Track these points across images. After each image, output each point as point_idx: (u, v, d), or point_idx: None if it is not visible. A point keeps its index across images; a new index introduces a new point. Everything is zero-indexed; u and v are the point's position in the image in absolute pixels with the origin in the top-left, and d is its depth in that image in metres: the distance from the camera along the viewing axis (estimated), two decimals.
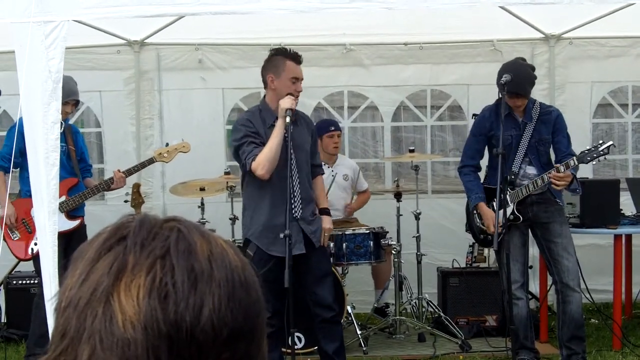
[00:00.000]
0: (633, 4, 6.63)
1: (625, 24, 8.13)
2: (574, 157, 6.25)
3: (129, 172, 6.92)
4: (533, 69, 6.64)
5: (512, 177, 6.44)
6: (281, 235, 5.46)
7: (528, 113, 6.55)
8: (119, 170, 6.89)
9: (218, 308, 1.04)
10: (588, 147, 6.34)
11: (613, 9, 7.53)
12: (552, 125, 6.53)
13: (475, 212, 6.78)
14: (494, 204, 6.42)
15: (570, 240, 6.53)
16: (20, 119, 6.76)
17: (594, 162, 6.50)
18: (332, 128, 8.02)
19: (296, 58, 5.94)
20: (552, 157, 6.63)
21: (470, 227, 6.95)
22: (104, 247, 1.07)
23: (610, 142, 6.32)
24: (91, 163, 7.36)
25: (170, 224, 1.10)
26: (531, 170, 6.50)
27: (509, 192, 6.43)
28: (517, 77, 6.34)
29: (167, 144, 7.21)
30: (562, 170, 6.21)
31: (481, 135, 6.70)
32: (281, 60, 5.92)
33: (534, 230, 6.61)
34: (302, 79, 5.97)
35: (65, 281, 1.09)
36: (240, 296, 1.07)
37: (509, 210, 6.41)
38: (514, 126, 6.49)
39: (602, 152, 6.22)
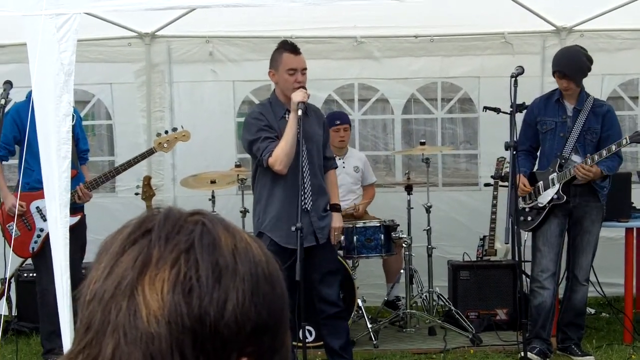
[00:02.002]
0: None
1: (636, 17, 8.09)
2: (627, 137, 6.41)
3: (129, 164, 6.76)
4: (589, 59, 6.73)
5: (563, 161, 6.64)
6: (292, 229, 5.47)
7: (581, 101, 6.72)
8: (83, 185, 6.61)
9: (242, 303, 1.04)
10: None
11: (624, 2, 7.52)
12: (601, 117, 6.69)
13: (520, 196, 6.86)
14: (540, 185, 6.74)
15: (595, 238, 6.74)
16: (14, 106, 6.75)
17: None
18: (338, 122, 7.97)
19: (293, 49, 5.92)
20: None
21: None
22: (128, 240, 1.07)
23: None
24: (88, 147, 7.14)
25: (195, 217, 1.09)
26: (576, 159, 6.65)
27: (557, 173, 6.63)
28: (566, 59, 6.67)
29: (166, 132, 7.01)
30: (589, 163, 6.40)
31: (529, 122, 6.89)
32: (278, 53, 5.93)
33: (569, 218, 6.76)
34: (304, 68, 5.92)
35: (89, 274, 1.09)
36: (264, 291, 1.07)
37: (553, 190, 6.64)
38: (560, 113, 6.71)
39: None
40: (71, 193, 6.25)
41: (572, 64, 6.64)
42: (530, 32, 8.67)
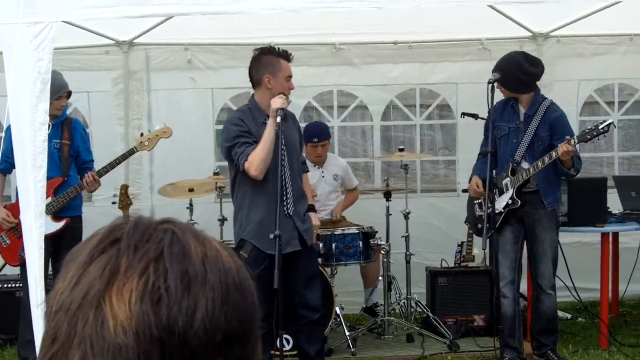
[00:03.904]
0: (619, 1, 6.67)
1: (612, 22, 8.15)
2: (574, 136, 6.33)
3: (110, 166, 6.68)
4: (532, 62, 6.71)
5: (514, 165, 6.59)
6: (271, 236, 5.45)
7: (533, 107, 6.66)
8: (90, 174, 6.64)
9: (211, 312, 1.03)
10: (589, 127, 6.45)
11: (599, 7, 7.55)
12: (549, 124, 6.61)
13: (475, 202, 6.90)
14: (495, 191, 6.66)
15: (551, 244, 6.64)
16: None
17: (595, 140, 6.51)
18: (315, 140, 7.90)
19: (288, 56, 5.99)
20: None
21: (471, 217, 7.07)
22: (96, 249, 1.06)
23: (610, 120, 6.45)
24: (91, 158, 7.06)
25: (165, 225, 1.09)
26: (525, 166, 6.59)
27: (510, 178, 6.59)
28: (498, 66, 6.65)
29: (149, 131, 7.00)
30: (572, 143, 6.26)
31: (488, 127, 6.83)
32: (275, 59, 5.94)
33: (524, 227, 6.70)
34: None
35: (56, 284, 1.07)
36: (234, 300, 1.06)
37: (508, 195, 6.59)
38: (514, 118, 6.66)
39: (602, 130, 6.33)
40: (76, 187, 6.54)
41: (502, 71, 6.56)
42: (508, 38, 8.68)
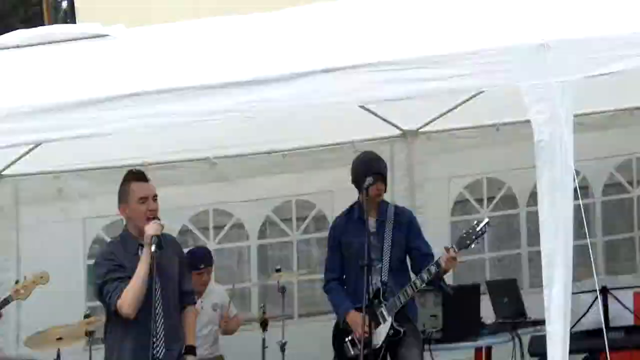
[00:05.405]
0: (482, 92, 6.80)
1: (478, 113, 8.17)
2: (453, 246, 5.99)
3: None
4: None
5: (383, 287, 6.17)
6: None
7: (382, 211, 6.41)
8: None
9: None
10: (465, 231, 6.10)
11: (464, 99, 7.65)
12: (406, 226, 6.39)
13: (346, 340, 6.40)
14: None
15: None
16: None
17: (474, 245, 6.10)
18: (202, 266, 7.62)
19: (139, 177, 5.71)
20: None
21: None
22: None
23: (487, 220, 6.12)
24: None
25: None
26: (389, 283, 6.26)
27: (385, 304, 6.13)
28: (374, 161, 6.50)
29: (25, 277, 6.62)
30: (453, 253, 5.95)
31: (334, 246, 6.57)
32: (126, 185, 5.69)
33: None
34: (155, 195, 5.67)
35: None
36: None
37: (386, 326, 6.12)
38: (363, 231, 6.08)
39: (480, 232, 5.98)
40: None
41: (381, 163, 6.48)
42: (379, 138, 8.65)
